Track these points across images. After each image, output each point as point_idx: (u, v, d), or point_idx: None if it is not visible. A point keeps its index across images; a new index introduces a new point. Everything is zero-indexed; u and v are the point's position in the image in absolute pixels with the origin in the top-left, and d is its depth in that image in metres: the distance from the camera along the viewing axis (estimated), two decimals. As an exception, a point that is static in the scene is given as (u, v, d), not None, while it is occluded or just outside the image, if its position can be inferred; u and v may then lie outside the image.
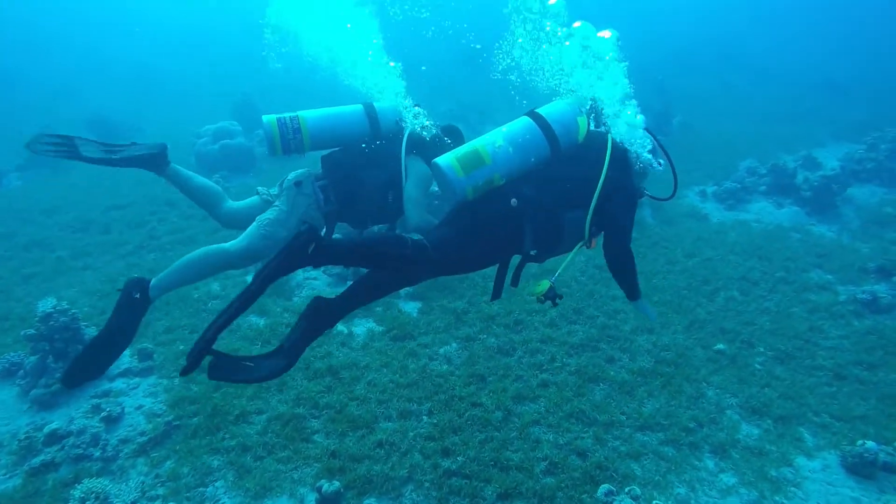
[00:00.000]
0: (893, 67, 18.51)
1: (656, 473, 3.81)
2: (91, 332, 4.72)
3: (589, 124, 2.93)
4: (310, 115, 3.40)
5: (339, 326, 5.30)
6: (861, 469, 3.87)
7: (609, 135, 2.89)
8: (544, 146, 2.74)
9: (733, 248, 7.07)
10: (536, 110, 2.84)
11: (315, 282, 6.15)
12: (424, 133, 3.59)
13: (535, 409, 4.28)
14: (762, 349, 5.14)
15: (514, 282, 3.01)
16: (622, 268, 2.97)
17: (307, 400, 4.31)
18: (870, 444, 3.94)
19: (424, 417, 4.20)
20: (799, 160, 10.01)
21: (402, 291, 5.88)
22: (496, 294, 2.99)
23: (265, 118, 3.35)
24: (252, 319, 5.38)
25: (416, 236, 2.70)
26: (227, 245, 3.28)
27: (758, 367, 4.92)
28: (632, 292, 3.09)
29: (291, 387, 4.46)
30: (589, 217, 2.73)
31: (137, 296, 3.07)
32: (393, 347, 5.03)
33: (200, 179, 3.58)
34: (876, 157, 10.01)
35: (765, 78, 17.80)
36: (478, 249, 2.73)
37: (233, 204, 3.56)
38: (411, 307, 5.68)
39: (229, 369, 2.37)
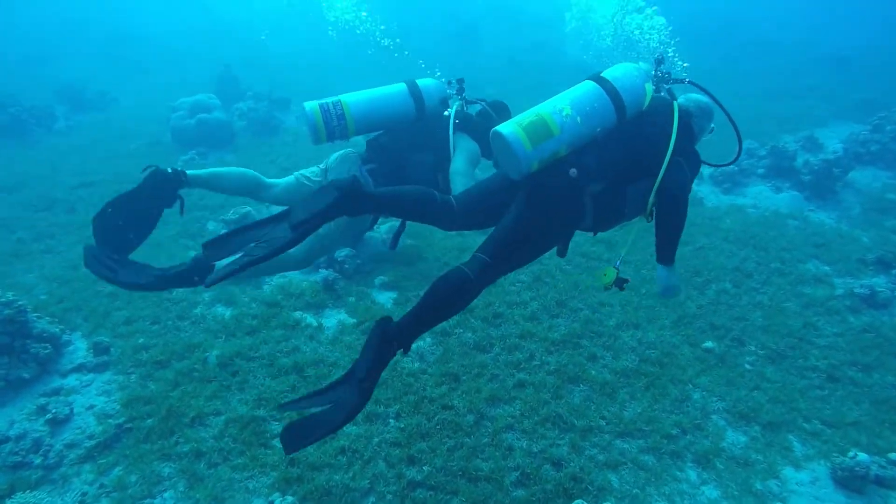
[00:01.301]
0: (901, 42, 17.89)
1: (634, 486, 3.59)
2: (42, 324, 4.45)
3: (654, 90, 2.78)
4: (353, 98, 3.31)
5: (309, 318, 5.05)
6: (851, 483, 3.66)
7: (675, 102, 2.76)
8: (611, 115, 2.58)
9: (727, 236, 6.77)
10: (602, 75, 2.65)
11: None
12: (471, 110, 3.47)
13: (509, 413, 4.05)
14: (753, 348, 4.89)
15: (563, 252, 2.85)
16: (673, 230, 2.81)
17: (269, 401, 4.06)
18: (862, 456, 3.72)
19: (391, 421, 3.96)
20: (800, 141, 9.63)
21: (377, 280, 5.60)
22: (562, 253, 2.85)
23: (307, 105, 3.28)
24: (217, 310, 5.11)
25: (474, 262, 2.51)
26: (264, 178, 3.39)
27: (748, 367, 4.68)
28: (669, 256, 2.93)
29: (253, 385, 4.22)
30: (655, 189, 2.62)
31: (170, 171, 3.10)
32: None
33: (227, 175, 3.42)
34: (881, 138, 9.62)
35: (768, 52, 17.18)
36: (540, 241, 2.59)
37: (274, 188, 3.50)
38: (385, 297, 5.41)
39: (303, 430, 2.26)
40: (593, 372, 4.47)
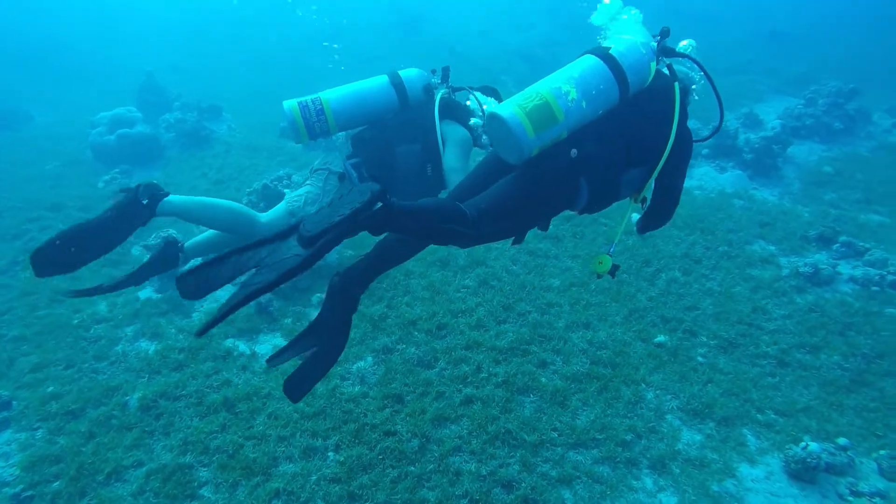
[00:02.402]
0: (836, 15, 18.42)
1: (590, 500, 3.42)
2: (-68, 381, 3.98)
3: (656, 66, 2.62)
4: (332, 94, 3.24)
5: (241, 346, 4.70)
6: (804, 474, 3.59)
7: (676, 84, 2.59)
8: (615, 96, 2.43)
9: (675, 221, 6.67)
10: (610, 50, 2.45)
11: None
12: (458, 97, 3.38)
13: (456, 433, 3.82)
14: (705, 338, 4.80)
15: (545, 228, 2.80)
16: (662, 218, 2.84)
17: (196, 444, 3.72)
18: (812, 446, 3.65)
19: (330, 454, 3.68)
20: (740, 118, 9.70)
21: (315, 297, 5.28)
22: (520, 241, 2.78)
23: (286, 104, 3.19)
24: (141, 346, 4.70)
25: (472, 212, 2.38)
26: (259, 214, 3.17)
27: (700, 359, 4.58)
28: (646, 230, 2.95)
29: (179, 428, 3.87)
30: (654, 178, 2.56)
31: (145, 202, 2.91)
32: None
33: (211, 206, 3.23)
34: (814, 112, 9.80)
35: (708, 27, 17.41)
36: (531, 210, 2.50)
37: (266, 218, 3.32)
38: (326, 316, 5.09)
39: (302, 377, 2.40)
40: (543, 380, 4.28)
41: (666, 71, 2.64)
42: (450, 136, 3.23)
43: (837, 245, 6.14)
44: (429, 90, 3.37)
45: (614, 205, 2.70)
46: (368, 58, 14.83)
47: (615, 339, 4.71)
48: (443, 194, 3.25)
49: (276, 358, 2.39)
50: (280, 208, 3.29)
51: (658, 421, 3.99)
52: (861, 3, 19.08)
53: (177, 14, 19.55)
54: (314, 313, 5.11)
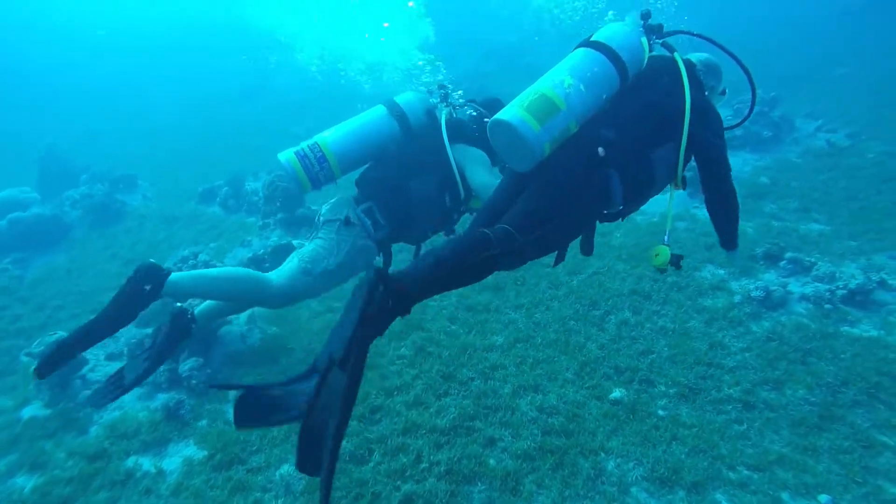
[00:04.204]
0: (746, 23, 19.14)
1: None
2: None
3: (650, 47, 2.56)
4: (330, 137, 3.05)
5: (145, 465, 4.03)
6: (791, 546, 3.17)
7: (676, 55, 2.56)
8: (614, 78, 2.36)
9: (620, 254, 6.40)
10: (593, 39, 2.42)
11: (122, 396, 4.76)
12: (461, 115, 3.21)
13: (394, 549, 3.25)
14: (663, 387, 4.40)
15: (589, 250, 2.67)
16: (727, 206, 2.66)
17: None
18: (796, 510, 3.25)
19: None
20: (674, 136, 9.66)
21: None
22: (562, 257, 2.66)
23: (282, 157, 3.02)
24: (16, 482, 3.96)
25: (497, 228, 2.22)
26: (269, 276, 2.93)
27: (661, 412, 4.17)
28: (732, 240, 2.81)
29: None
30: (683, 148, 2.41)
31: (147, 288, 2.79)
32: (217, 481, 3.83)
33: (219, 281, 3.03)
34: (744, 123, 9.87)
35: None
36: (565, 215, 2.31)
37: (279, 280, 3.05)
38: (244, 412, 4.46)
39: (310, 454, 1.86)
40: (492, 461, 3.78)
41: (662, 50, 2.60)
42: (467, 158, 3.03)
43: (784, 262, 5.94)
44: (431, 113, 3.16)
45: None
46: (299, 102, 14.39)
47: (567, 400, 4.26)
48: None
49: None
50: (292, 268, 3.00)
51: (622, 497, 3.53)
52: (767, 10, 19.99)
53: (99, 72, 18.75)
54: (230, 410, 4.50)
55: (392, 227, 3.01)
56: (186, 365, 4.74)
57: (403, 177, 3.04)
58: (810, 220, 7.30)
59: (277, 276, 2.97)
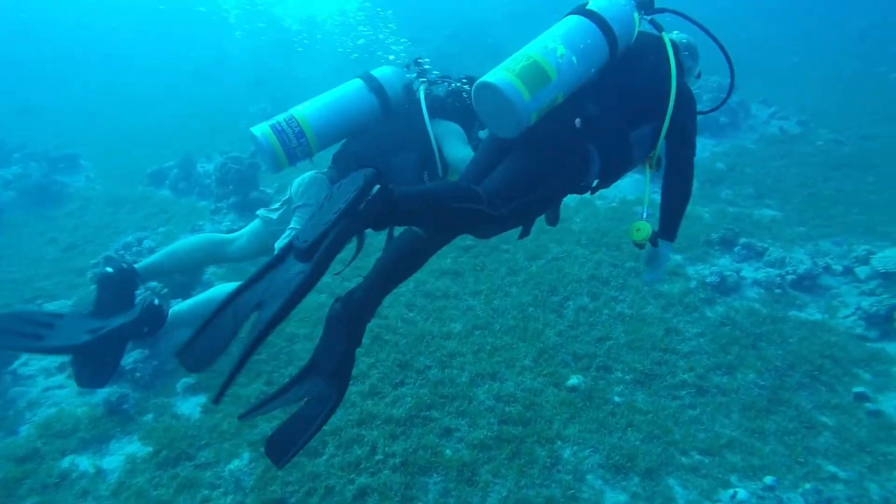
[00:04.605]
0: (724, 15, 19.38)
1: None
2: None
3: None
4: (307, 110, 2.92)
5: (83, 464, 3.82)
6: (738, 529, 3.24)
7: (664, 34, 2.53)
8: (605, 51, 2.32)
9: (580, 239, 6.40)
10: (588, 7, 2.35)
11: (59, 391, 4.52)
12: (438, 90, 3.17)
13: (347, 544, 3.17)
14: (620, 373, 4.43)
15: (554, 220, 2.62)
16: (684, 189, 2.64)
17: None
18: (741, 494, 3.33)
19: None
20: (634, 122, 9.72)
21: (180, 384, 4.46)
22: (527, 232, 2.57)
23: (256, 130, 2.88)
24: (-61, 485, 3.69)
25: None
26: (228, 238, 2.99)
27: (617, 399, 4.19)
28: (673, 230, 2.72)
29: None
30: (664, 131, 2.42)
31: (110, 270, 2.84)
32: (162, 479, 3.66)
33: (179, 250, 3.14)
34: (701, 108, 9.98)
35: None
36: (547, 189, 2.27)
37: (239, 241, 3.16)
38: (191, 406, 4.29)
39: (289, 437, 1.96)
40: (448, 452, 3.73)
41: (650, 27, 2.57)
42: (444, 134, 3.01)
43: (738, 247, 6.06)
44: (409, 88, 3.11)
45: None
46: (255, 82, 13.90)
47: (525, 388, 4.23)
48: None
49: (253, 412, 2.01)
50: (254, 227, 3.02)
51: (578, 485, 3.53)
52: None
53: (30, 47, 17.65)
54: (179, 404, 4.32)
55: None
56: (130, 357, 4.50)
57: (385, 153, 2.98)
58: (763, 205, 7.48)
59: (238, 238, 3.00)
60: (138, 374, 4.46)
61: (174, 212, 7.36)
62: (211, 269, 6.11)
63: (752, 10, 19.61)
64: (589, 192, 2.60)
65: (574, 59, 2.21)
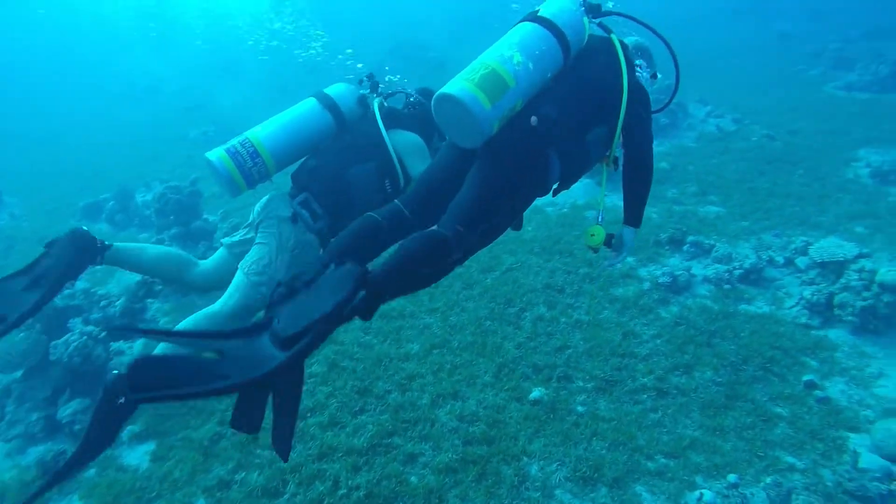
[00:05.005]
0: (662, 19, 20.11)
1: None
2: None
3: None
4: (262, 132, 2.93)
5: (16, 529, 3.51)
6: (706, 530, 3.25)
7: (613, 35, 2.59)
8: (559, 56, 2.35)
9: (532, 248, 6.42)
10: (539, 14, 2.39)
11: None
12: (393, 103, 3.22)
13: (312, 591, 3.01)
14: (581, 382, 4.42)
15: (518, 225, 2.58)
16: (645, 178, 2.63)
17: None
18: (707, 495, 3.34)
19: None
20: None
21: (125, 432, 4.18)
22: (516, 226, 2.55)
23: (211, 155, 2.85)
24: None
25: (449, 227, 2.18)
26: (215, 308, 2.75)
27: (580, 409, 4.18)
28: (638, 217, 2.72)
29: None
30: (619, 127, 2.45)
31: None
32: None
33: (153, 252, 3.01)
34: (642, 111, 10.27)
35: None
36: (509, 202, 2.30)
37: (204, 265, 3.08)
38: (139, 455, 4.03)
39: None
40: (413, 479, 3.61)
41: (598, 31, 2.62)
42: (402, 145, 3.02)
43: (687, 246, 6.20)
44: (363, 102, 3.15)
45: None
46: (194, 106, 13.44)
47: (487, 405, 4.17)
48: None
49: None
50: (240, 284, 2.78)
51: (547, 501, 3.48)
52: (665, 4, 21.15)
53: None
54: (128, 455, 4.07)
55: (331, 216, 2.94)
56: (68, 409, 4.21)
57: (343, 165, 2.99)
58: (707, 202, 7.70)
59: (227, 297, 2.80)
60: (77, 427, 4.17)
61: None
62: (155, 305, 5.83)
63: (681, 15, 20.48)
64: (551, 194, 2.63)
65: (531, 65, 2.25)
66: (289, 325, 1.67)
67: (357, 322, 5.08)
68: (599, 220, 2.61)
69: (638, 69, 2.83)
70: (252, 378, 1.62)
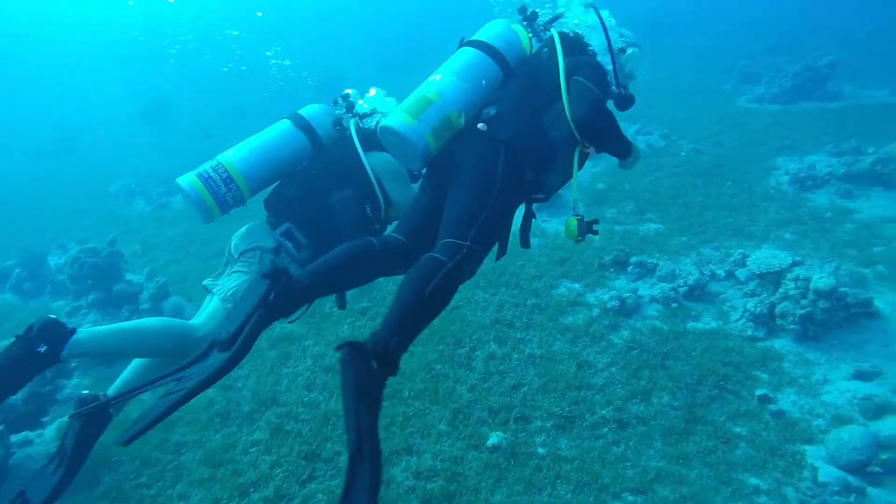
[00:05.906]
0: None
1: None
2: None
3: (530, 35, 2.70)
4: (234, 156, 2.82)
5: None
6: (682, 573, 3.11)
7: (553, 30, 2.65)
8: (492, 66, 2.50)
9: (478, 282, 6.27)
10: (470, 38, 2.60)
11: None
12: (368, 123, 3.12)
13: None
14: (539, 421, 4.26)
15: (525, 242, 2.68)
16: (619, 147, 2.62)
17: None
18: (680, 533, 3.21)
19: None
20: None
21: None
22: (503, 253, 2.54)
23: (183, 181, 2.73)
24: None
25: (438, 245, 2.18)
26: (192, 324, 2.61)
27: (541, 450, 4.00)
28: (627, 150, 2.69)
29: None
30: (566, 105, 2.39)
31: (43, 350, 2.35)
32: None
33: (135, 334, 2.56)
34: (576, 134, 10.48)
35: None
36: (493, 205, 2.25)
37: (206, 330, 2.68)
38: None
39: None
40: (371, 553, 3.30)
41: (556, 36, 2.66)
42: (381, 168, 2.93)
43: (631, 266, 6.22)
44: (339, 123, 3.08)
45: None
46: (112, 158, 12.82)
47: (444, 457, 3.93)
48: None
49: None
50: (216, 311, 2.65)
51: (515, 560, 3.26)
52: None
53: None
54: None
55: (315, 246, 2.86)
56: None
57: (321, 192, 2.91)
58: (647, 220, 7.82)
59: (202, 323, 2.64)
60: None
61: (20, 319, 6.33)
62: (75, 380, 5.30)
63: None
64: (543, 199, 2.64)
65: (455, 78, 2.41)
66: (228, 328, 1.87)
67: (300, 378, 4.74)
68: (576, 211, 2.57)
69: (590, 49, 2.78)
70: (206, 377, 1.74)
